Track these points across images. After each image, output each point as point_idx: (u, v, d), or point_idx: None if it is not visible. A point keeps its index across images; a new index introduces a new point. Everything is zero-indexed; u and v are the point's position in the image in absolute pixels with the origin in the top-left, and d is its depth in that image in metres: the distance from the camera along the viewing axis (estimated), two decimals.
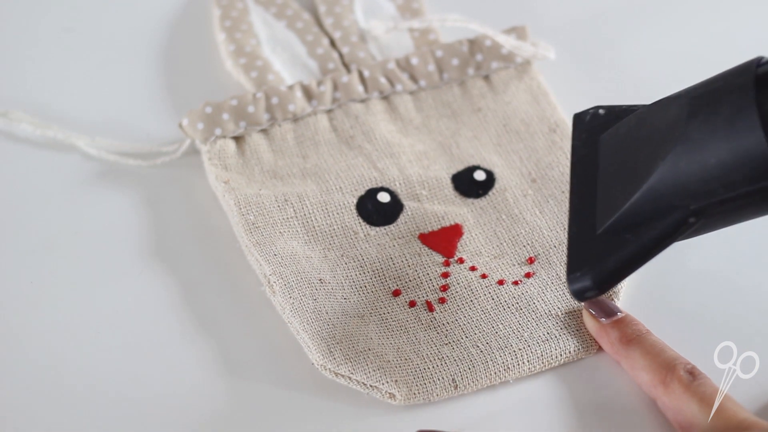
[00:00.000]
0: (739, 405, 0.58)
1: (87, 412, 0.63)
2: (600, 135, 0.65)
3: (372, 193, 0.71)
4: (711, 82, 0.58)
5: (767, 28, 0.81)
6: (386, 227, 0.69)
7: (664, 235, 0.59)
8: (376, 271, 0.67)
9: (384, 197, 0.70)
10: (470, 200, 0.71)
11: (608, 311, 0.63)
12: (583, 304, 0.64)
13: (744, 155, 0.56)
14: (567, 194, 0.69)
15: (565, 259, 0.66)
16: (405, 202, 0.70)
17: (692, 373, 0.59)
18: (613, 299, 0.65)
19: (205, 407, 0.63)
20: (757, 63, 0.57)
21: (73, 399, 0.64)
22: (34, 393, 0.64)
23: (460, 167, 0.72)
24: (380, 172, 0.71)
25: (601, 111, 0.66)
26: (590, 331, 0.64)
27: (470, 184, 0.71)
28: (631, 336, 0.62)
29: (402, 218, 0.70)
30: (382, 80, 0.75)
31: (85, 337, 0.66)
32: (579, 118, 0.66)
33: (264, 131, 0.73)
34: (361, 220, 0.70)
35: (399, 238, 0.69)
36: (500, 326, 0.65)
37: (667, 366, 0.60)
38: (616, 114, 0.65)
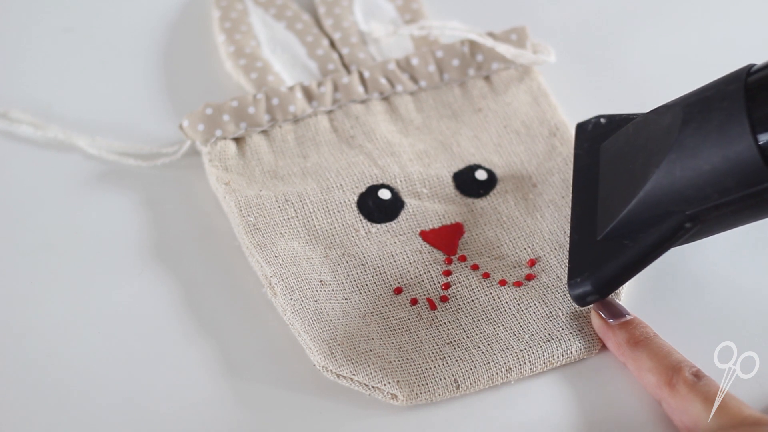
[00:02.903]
0: (742, 402, 0.58)
1: (87, 412, 0.63)
2: (601, 143, 0.65)
3: (373, 190, 0.71)
4: (703, 90, 0.60)
5: (766, 29, 0.81)
6: (387, 224, 0.69)
7: (662, 240, 0.60)
8: (377, 269, 0.68)
9: (385, 194, 0.70)
10: (471, 200, 0.71)
11: (616, 313, 0.63)
12: (590, 306, 0.65)
13: (735, 161, 0.57)
14: (567, 200, 0.70)
15: (566, 262, 0.67)
16: (406, 200, 0.70)
17: (697, 375, 0.60)
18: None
19: (206, 409, 0.63)
20: (748, 71, 0.58)
21: (73, 399, 0.64)
22: (34, 393, 0.64)
23: (462, 166, 0.72)
24: (381, 169, 0.72)
25: (602, 120, 0.67)
26: (597, 332, 0.64)
27: (472, 183, 0.71)
28: (638, 338, 0.62)
29: (403, 215, 0.70)
30: (383, 81, 0.75)
31: (85, 337, 0.66)
32: (581, 128, 0.67)
33: (264, 132, 0.73)
34: (362, 218, 0.70)
35: (400, 235, 0.69)
36: (501, 328, 0.65)
37: (673, 368, 0.60)
38: (616, 123, 0.66)
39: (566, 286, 0.66)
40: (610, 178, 0.64)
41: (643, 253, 0.60)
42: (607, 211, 0.62)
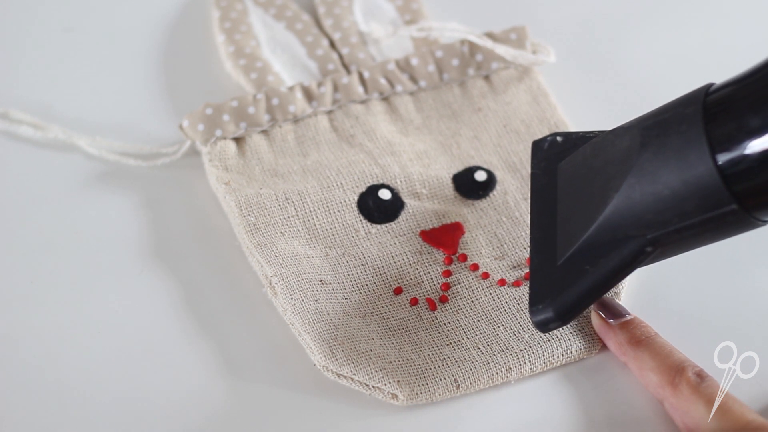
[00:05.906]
0: (745, 406, 0.58)
1: (87, 412, 0.63)
2: (558, 163, 0.65)
3: (373, 189, 0.71)
4: (661, 111, 0.59)
5: (766, 29, 0.81)
6: (387, 225, 0.69)
7: (623, 265, 0.59)
8: (378, 270, 0.68)
9: (385, 194, 0.70)
10: (470, 201, 0.71)
11: (617, 313, 0.63)
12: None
13: (695, 186, 0.56)
14: None
15: None
16: (406, 200, 0.70)
17: (700, 376, 0.60)
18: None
19: (207, 408, 0.63)
20: (706, 91, 0.57)
21: (72, 399, 0.64)
22: (33, 393, 0.64)
23: (461, 167, 0.72)
24: (381, 168, 0.72)
25: (558, 138, 0.66)
26: (597, 331, 0.64)
27: (471, 184, 0.71)
28: (640, 338, 0.62)
29: (403, 215, 0.70)
30: (382, 81, 0.75)
31: (85, 338, 0.66)
32: (537, 146, 0.67)
33: (264, 132, 0.73)
34: (362, 218, 0.70)
35: (400, 235, 0.69)
36: (501, 328, 0.65)
37: (675, 368, 0.60)
38: (573, 141, 0.66)
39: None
40: (568, 201, 0.63)
41: (604, 279, 0.60)
42: (567, 235, 0.62)
